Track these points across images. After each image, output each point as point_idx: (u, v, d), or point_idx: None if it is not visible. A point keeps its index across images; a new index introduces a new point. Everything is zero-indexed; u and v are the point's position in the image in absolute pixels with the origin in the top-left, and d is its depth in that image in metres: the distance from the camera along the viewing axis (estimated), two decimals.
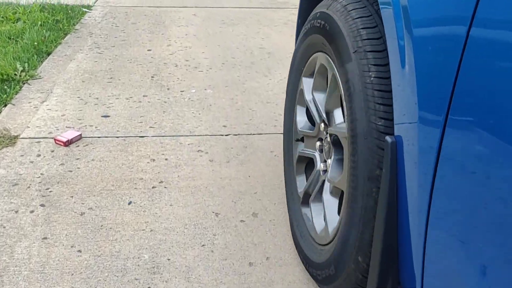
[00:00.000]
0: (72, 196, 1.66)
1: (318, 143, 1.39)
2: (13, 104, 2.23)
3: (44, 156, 1.87)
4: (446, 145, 0.78)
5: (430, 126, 0.82)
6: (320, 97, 1.36)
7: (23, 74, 2.45)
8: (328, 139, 1.30)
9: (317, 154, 1.40)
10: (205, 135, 2.07)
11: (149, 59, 2.77)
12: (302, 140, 1.53)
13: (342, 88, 1.13)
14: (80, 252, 1.44)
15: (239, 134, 2.08)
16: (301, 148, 1.51)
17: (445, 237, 0.82)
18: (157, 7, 3.75)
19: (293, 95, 1.55)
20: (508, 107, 0.67)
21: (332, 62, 1.22)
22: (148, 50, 2.90)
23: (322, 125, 1.35)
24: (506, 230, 0.68)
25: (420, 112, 0.84)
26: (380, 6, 0.99)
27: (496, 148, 0.69)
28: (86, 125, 2.09)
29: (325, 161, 1.34)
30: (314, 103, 1.38)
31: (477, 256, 0.75)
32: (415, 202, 0.87)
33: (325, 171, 1.34)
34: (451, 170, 0.78)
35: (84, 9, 3.50)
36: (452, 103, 0.76)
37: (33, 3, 3.49)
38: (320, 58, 1.32)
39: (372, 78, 0.99)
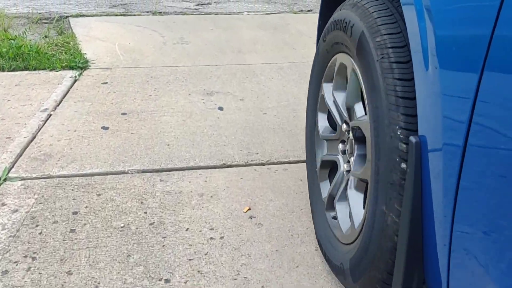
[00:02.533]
0: None
1: (340, 145, 1.39)
2: None
3: None
4: (471, 147, 0.78)
5: (455, 127, 0.81)
6: (341, 96, 1.38)
7: None
8: (351, 136, 1.30)
9: (340, 157, 1.41)
10: None
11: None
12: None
13: (362, 83, 1.14)
14: None
15: None
16: (323, 154, 1.52)
17: (471, 239, 0.81)
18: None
19: (314, 103, 1.57)
20: None
21: (353, 60, 1.23)
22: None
23: (344, 125, 1.36)
24: None
25: (444, 112, 0.84)
26: (403, 7, 0.99)
27: None
28: None
29: (348, 162, 1.34)
30: (335, 104, 1.40)
31: (503, 259, 0.75)
32: (440, 203, 0.86)
33: (348, 171, 1.34)
34: (476, 173, 0.77)
35: None
36: (476, 106, 0.76)
37: None
38: (340, 58, 1.34)
39: (394, 76, 1.00)
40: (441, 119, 0.84)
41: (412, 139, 0.92)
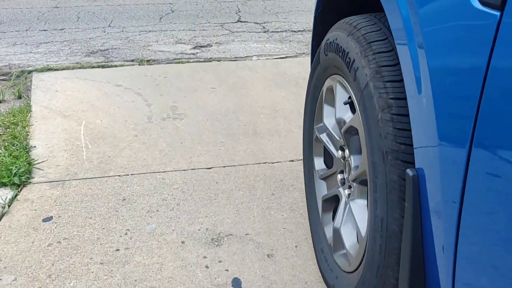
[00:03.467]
0: None
1: (339, 176, 1.34)
2: None
3: None
4: (471, 180, 0.76)
5: (453, 160, 0.79)
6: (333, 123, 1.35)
7: None
8: (348, 159, 1.26)
9: (340, 189, 1.36)
10: None
11: None
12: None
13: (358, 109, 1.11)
14: None
15: None
16: (324, 193, 1.47)
17: (475, 277, 0.78)
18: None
19: (310, 142, 1.54)
20: None
21: (349, 86, 1.19)
22: None
23: (340, 152, 1.31)
24: None
25: (441, 146, 0.82)
26: (396, 43, 0.97)
27: None
28: None
29: (350, 187, 1.29)
30: (329, 135, 1.36)
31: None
32: (441, 237, 0.84)
33: (349, 194, 1.29)
34: (477, 206, 0.76)
35: None
36: (475, 138, 0.74)
37: None
38: (334, 82, 1.30)
39: (390, 107, 0.98)
40: (438, 153, 0.83)
41: (409, 172, 0.90)
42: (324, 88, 1.41)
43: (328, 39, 1.29)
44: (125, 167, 2.14)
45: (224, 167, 2.15)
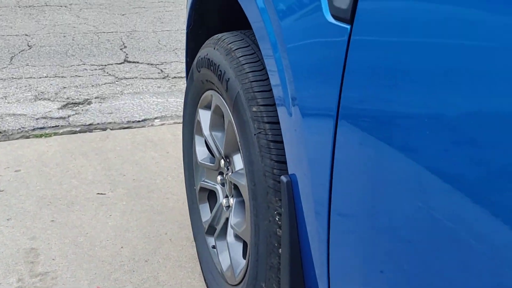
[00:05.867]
0: None
1: (219, 177, 1.36)
2: None
3: None
4: (336, 182, 0.80)
5: (320, 165, 0.84)
6: (218, 136, 1.33)
7: None
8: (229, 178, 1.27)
9: (219, 188, 1.37)
10: None
11: None
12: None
13: (237, 134, 1.13)
14: None
15: None
16: (202, 179, 1.46)
17: (347, 270, 0.83)
18: None
19: (191, 125, 1.49)
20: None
21: (226, 105, 1.20)
22: None
23: (222, 161, 1.31)
24: (404, 261, 0.70)
25: (308, 152, 0.87)
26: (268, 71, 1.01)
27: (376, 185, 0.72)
28: None
29: (227, 197, 1.32)
30: (213, 140, 1.34)
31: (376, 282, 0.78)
32: (316, 237, 0.88)
33: (228, 207, 1.32)
34: (343, 206, 0.81)
35: None
36: (336, 144, 0.79)
37: None
38: (215, 98, 1.28)
39: (264, 124, 1.01)
40: (307, 159, 0.88)
41: (283, 178, 0.94)
42: (200, 112, 1.41)
43: (200, 56, 1.32)
44: None
45: None
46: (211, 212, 1.44)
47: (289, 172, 0.95)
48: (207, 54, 1.27)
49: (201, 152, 1.46)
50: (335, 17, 0.76)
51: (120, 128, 2.59)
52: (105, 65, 3.50)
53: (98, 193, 1.92)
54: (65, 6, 5.29)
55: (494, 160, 0.55)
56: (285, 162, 0.98)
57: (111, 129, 2.56)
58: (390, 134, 0.68)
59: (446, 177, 0.60)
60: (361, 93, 0.73)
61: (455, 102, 0.58)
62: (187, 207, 1.59)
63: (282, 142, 0.97)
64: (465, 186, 0.58)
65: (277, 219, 1.00)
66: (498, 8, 0.54)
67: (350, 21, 0.73)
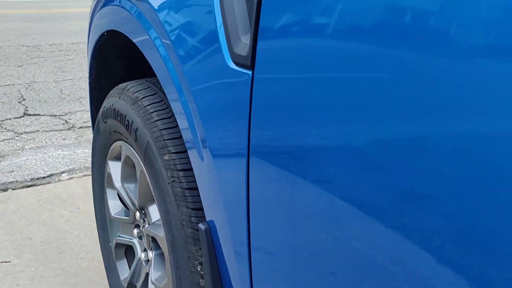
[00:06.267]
0: None
1: (136, 230, 1.30)
2: None
3: None
4: (253, 221, 0.80)
5: (236, 206, 0.84)
6: (131, 188, 1.28)
7: None
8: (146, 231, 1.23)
9: (136, 241, 1.31)
10: None
11: None
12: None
13: (151, 184, 1.09)
14: None
15: None
16: (118, 234, 1.38)
17: None
18: None
19: (101, 177, 1.42)
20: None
21: (137, 155, 1.16)
22: None
23: (137, 213, 1.25)
24: None
25: (224, 197, 0.87)
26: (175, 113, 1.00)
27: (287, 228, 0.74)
28: None
29: (146, 250, 1.26)
30: (126, 192, 1.28)
31: None
32: (238, 279, 0.88)
33: (147, 261, 1.25)
34: (262, 244, 0.81)
35: None
36: (250, 187, 0.79)
37: None
38: (124, 149, 1.24)
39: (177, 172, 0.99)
40: (223, 208, 0.87)
41: (201, 226, 0.92)
42: (109, 164, 1.35)
43: (105, 106, 1.28)
44: None
45: None
46: (129, 269, 1.37)
47: (207, 219, 0.94)
48: (112, 104, 1.24)
49: (114, 206, 1.39)
50: (236, 63, 0.78)
51: (23, 187, 2.40)
52: (2, 121, 3.28)
53: (2, 262, 1.75)
54: None
55: (401, 184, 0.56)
56: (202, 209, 0.95)
57: (12, 189, 2.37)
58: (301, 167, 0.69)
59: (359, 204, 0.62)
60: (269, 131, 0.74)
61: (356, 130, 0.60)
62: (103, 266, 1.50)
63: (197, 188, 0.95)
64: (377, 211, 0.59)
65: (199, 268, 0.98)
66: (381, 41, 0.57)
67: (251, 67, 0.74)
